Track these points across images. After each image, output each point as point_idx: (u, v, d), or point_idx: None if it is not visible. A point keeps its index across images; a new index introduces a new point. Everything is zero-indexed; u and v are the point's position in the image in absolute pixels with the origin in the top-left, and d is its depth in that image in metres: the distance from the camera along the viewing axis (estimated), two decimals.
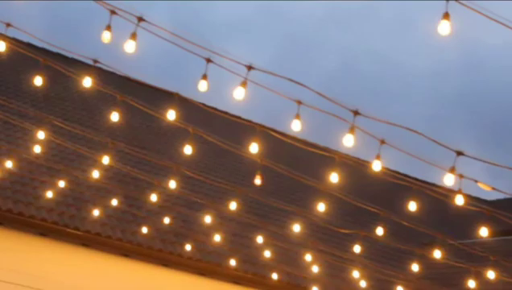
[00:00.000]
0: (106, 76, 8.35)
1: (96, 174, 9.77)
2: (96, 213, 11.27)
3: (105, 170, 10.44)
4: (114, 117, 7.05)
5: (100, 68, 6.91)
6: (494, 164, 5.87)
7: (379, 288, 12.73)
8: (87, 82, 6.50)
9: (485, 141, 45.22)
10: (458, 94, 51.18)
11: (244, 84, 5.54)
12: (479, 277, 9.54)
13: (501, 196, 10.23)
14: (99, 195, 11.95)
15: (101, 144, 9.50)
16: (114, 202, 10.88)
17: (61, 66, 6.78)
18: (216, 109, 9.06)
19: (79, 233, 11.82)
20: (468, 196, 6.95)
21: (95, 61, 6.42)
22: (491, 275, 9.07)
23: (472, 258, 9.67)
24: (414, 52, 54.30)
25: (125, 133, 13.89)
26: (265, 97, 6.78)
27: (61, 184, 10.59)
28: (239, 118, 11.73)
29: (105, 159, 8.85)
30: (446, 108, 52.43)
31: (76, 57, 7.98)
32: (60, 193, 11.38)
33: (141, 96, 7.50)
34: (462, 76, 53.27)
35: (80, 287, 11.99)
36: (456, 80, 52.05)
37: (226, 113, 11.30)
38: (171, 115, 6.51)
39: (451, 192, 6.62)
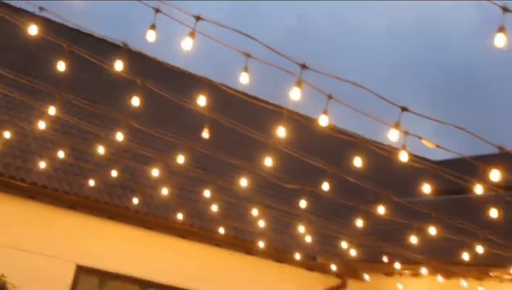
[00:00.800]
0: (53, 27, 8.21)
1: (42, 125, 9.64)
2: (42, 165, 11.16)
3: (52, 121, 10.33)
4: (61, 66, 6.94)
5: (47, 19, 6.78)
6: (438, 121, 5.96)
7: (324, 243, 12.93)
8: (32, 30, 6.38)
9: (435, 102, 45.80)
10: (409, 55, 51.57)
11: (192, 34, 5.51)
12: (421, 233, 9.75)
13: (446, 156, 10.40)
14: (46, 147, 11.84)
15: (47, 95, 9.37)
16: (61, 154, 10.77)
17: (6, 13, 6.64)
18: (165, 62, 8.96)
19: (25, 185, 11.73)
20: (414, 156, 7.05)
21: (41, 9, 6.31)
22: (432, 231, 9.27)
23: (415, 215, 9.86)
24: (368, 12, 54.44)
25: (73, 84, 13.71)
26: (214, 49, 6.75)
27: (7, 135, 10.43)
28: (188, 72, 11.66)
29: (52, 110, 8.73)
30: (397, 69, 52.84)
31: (21, 6, 7.85)
32: (6, 144, 11.23)
33: (89, 47, 7.40)
34: (414, 37, 53.64)
35: (25, 240, 11.93)
36: (407, 41, 52.40)
37: (175, 66, 11.20)
38: (119, 66, 6.44)
39: (396, 150, 6.70)
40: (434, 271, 11.81)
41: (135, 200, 11.91)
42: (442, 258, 11.53)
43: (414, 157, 7.40)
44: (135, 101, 7.19)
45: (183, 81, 11.16)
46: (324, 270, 13.45)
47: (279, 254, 13.23)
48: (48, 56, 8.88)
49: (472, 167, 7.06)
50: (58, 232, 12.21)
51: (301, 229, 11.16)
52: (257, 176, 10.25)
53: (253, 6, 52.04)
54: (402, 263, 11.96)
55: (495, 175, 6.45)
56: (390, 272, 13.01)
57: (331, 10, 53.52)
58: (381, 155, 7.76)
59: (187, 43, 5.54)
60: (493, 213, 8.08)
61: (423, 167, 7.61)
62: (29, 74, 11.66)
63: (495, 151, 6.43)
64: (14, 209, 11.94)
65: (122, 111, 10.68)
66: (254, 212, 10.94)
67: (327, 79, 5.91)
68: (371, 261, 13.13)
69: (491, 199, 8.13)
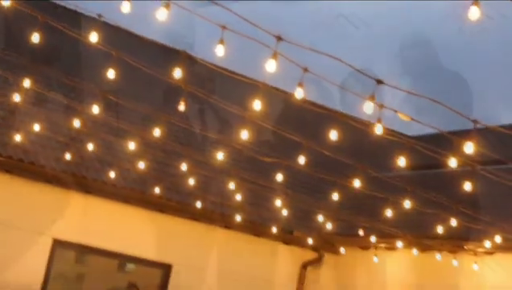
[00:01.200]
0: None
1: (17, 98, 9.57)
2: (18, 138, 11.09)
3: (28, 95, 10.25)
4: (35, 38, 6.88)
5: None
6: (413, 93, 5.98)
7: (301, 217, 12.99)
8: (6, 1, 6.31)
9: (414, 84, 45.91)
10: (388, 36, 51.58)
11: (167, 6, 5.48)
12: (396, 207, 9.83)
13: (422, 131, 10.46)
14: (21, 120, 11.76)
15: (23, 68, 9.30)
16: (37, 128, 10.70)
17: None
18: (141, 35, 8.92)
19: (1, 159, 11.65)
20: (389, 130, 7.09)
21: None
22: (408, 205, 9.36)
23: (391, 189, 9.93)
24: None
25: (49, 57, 13.60)
26: (190, 22, 6.72)
27: None
28: (165, 44, 11.61)
29: (27, 83, 8.67)
30: (376, 48, 52.86)
31: None
32: None
33: (64, 19, 7.34)
34: (395, 18, 53.66)
35: (1, 214, 11.87)
36: (388, 22, 52.40)
37: (151, 39, 11.14)
38: (94, 38, 6.40)
39: (372, 124, 6.72)
40: (409, 244, 11.93)
41: (112, 174, 11.88)
42: (417, 232, 11.65)
43: (390, 131, 7.45)
44: (111, 74, 7.15)
45: (159, 54, 11.11)
46: (301, 243, 13.54)
47: (256, 227, 13.29)
48: (23, 28, 8.80)
49: (447, 141, 7.12)
50: (34, 206, 12.15)
51: (278, 202, 11.22)
52: (233, 150, 10.26)
53: None
54: (377, 236, 12.07)
55: (469, 148, 6.50)
56: (365, 246, 13.13)
57: None
58: (357, 128, 7.79)
59: (161, 14, 5.52)
60: (468, 186, 8.16)
61: (398, 140, 7.66)
62: (3, 46, 11.56)
63: (470, 126, 6.48)
64: None
65: (99, 84, 10.64)
66: (231, 185, 10.97)
67: (302, 52, 5.91)
68: (347, 235, 13.22)
69: (466, 173, 8.20)
